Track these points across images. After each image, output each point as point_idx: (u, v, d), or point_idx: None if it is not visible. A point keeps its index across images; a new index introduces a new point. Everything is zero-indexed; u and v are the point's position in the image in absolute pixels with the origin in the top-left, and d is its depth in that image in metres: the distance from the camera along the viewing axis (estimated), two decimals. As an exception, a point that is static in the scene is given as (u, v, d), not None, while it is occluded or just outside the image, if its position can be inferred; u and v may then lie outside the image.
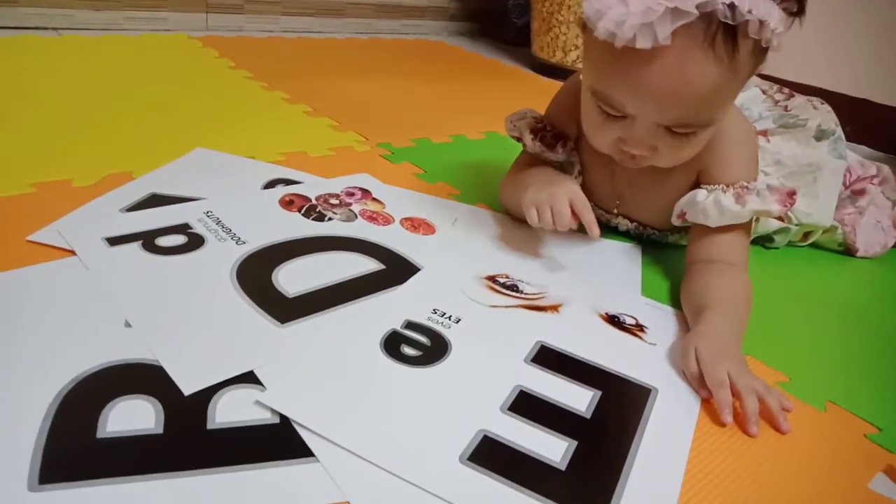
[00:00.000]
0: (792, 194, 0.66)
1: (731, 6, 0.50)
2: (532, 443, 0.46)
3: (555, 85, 1.63)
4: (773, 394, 0.52)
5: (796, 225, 0.82)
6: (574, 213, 0.65)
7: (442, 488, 0.41)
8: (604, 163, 0.71)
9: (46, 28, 1.40)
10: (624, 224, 0.79)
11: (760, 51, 0.56)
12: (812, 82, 1.52)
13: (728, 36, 0.52)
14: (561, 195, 0.65)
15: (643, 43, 0.51)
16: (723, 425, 0.50)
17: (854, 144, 1.46)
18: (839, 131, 0.83)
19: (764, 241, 0.85)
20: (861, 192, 0.87)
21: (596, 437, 0.47)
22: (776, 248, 0.86)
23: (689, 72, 0.53)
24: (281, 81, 1.24)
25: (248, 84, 1.22)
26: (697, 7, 0.50)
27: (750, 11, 0.51)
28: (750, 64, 0.56)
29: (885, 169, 0.90)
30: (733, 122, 0.68)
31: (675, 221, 0.71)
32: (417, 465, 0.42)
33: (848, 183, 0.86)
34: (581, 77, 0.65)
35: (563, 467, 0.44)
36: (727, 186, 0.67)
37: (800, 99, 0.84)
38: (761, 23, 0.51)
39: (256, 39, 1.60)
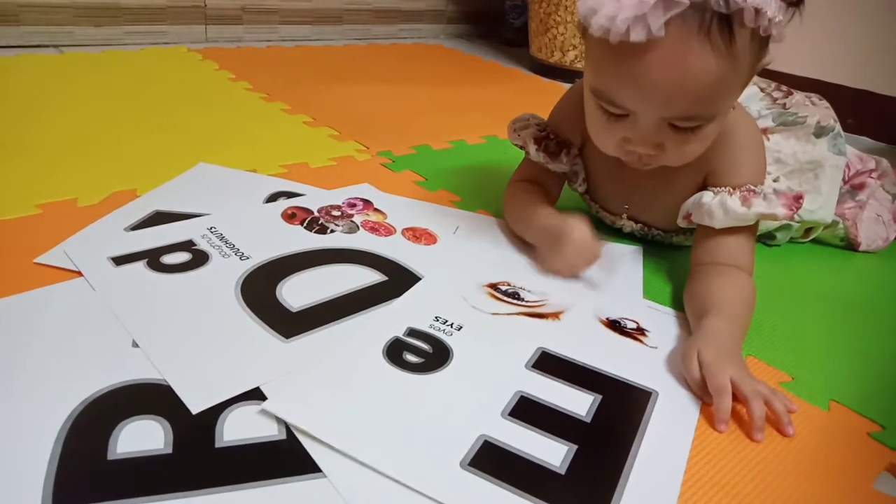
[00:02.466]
0: (799, 198, 0.66)
1: None
2: (532, 447, 0.46)
3: (554, 85, 1.65)
4: (779, 397, 0.52)
5: (798, 222, 0.82)
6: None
7: (443, 494, 0.41)
8: (611, 168, 0.72)
9: (48, 45, 1.42)
10: (629, 226, 0.79)
11: (760, 41, 0.55)
12: (813, 74, 1.52)
13: (724, 25, 0.52)
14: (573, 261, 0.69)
15: (637, 36, 0.51)
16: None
17: (856, 136, 1.46)
18: (838, 127, 0.83)
19: (765, 238, 0.85)
20: (860, 186, 0.87)
21: (596, 442, 0.48)
22: (778, 244, 0.86)
23: (687, 63, 0.53)
24: (281, 92, 1.25)
25: (248, 96, 1.23)
26: None
27: (744, 0, 0.51)
28: (750, 54, 0.56)
29: (884, 162, 0.90)
30: (742, 124, 0.68)
31: (681, 223, 0.72)
32: (419, 471, 0.43)
33: (847, 177, 0.86)
34: (583, 80, 0.65)
35: (562, 472, 0.45)
36: (734, 189, 0.67)
37: (798, 96, 0.84)
38: (757, 11, 0.51)
39: (256, 49, 1.61)
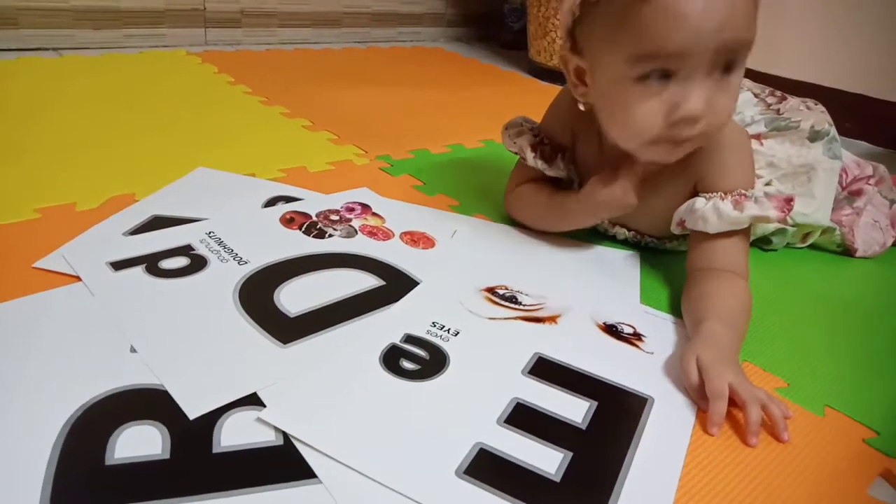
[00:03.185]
0: (790, 200, 0.67)
1: None
2: (528, 455, 0.46)
3: (552, 89, 1.66)
4: (776, 403, 0.53)
5: (793, 226, 0.83)
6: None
7: (438, 503, 0.42)
8: (600, 174, 0.72)
9: (47, 49, 1.42)
10: (622, 233, 0.80)
11: None
12: (811, 78, 1.53)
13: None
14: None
15: None
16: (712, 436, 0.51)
17: (854, 140, 1.47)
18: (833, 131, 0.83)
19: (762, 242, 0.85)
20: (858, 193, 0.87)
21: (591, 448, 0.48)
22: (774, 249, 0.86)
23: None
24: (280, 95, 1.26)
25: (247, 99, 1.23)
26: None
27: None
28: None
29: (882, 168, 0.90)
30: (729, 129, 0.68)
31: (675, 230, 0.72)
32: (414, 480, 0.43)
33: (844, 184, 0.87)
34: (605, 80, 0.63)
35: (557, 479, 0.45)
36: (725, 194, 0.67)
37: (793, 101, 0.85)
38: None
39: (255, 53, 1.61)
